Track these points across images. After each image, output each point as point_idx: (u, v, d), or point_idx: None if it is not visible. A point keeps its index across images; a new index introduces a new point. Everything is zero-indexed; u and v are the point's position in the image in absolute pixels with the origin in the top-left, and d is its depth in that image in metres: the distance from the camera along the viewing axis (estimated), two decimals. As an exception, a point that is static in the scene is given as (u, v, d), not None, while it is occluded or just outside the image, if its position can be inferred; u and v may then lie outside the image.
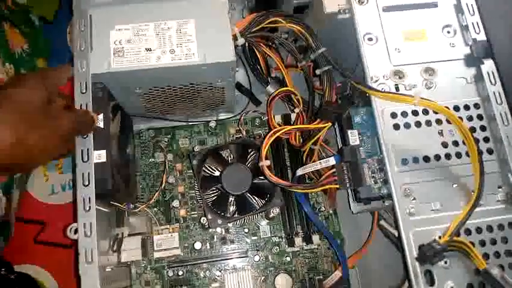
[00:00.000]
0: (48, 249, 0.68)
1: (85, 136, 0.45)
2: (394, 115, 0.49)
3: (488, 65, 0.50)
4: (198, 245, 0.62)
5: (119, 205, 0.54)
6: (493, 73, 0.50)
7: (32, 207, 0.70)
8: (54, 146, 0.41)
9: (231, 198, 0.61)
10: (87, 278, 0.42)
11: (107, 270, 0.48)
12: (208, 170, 0.63)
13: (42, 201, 0.71)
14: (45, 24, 0.79)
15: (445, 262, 0.44)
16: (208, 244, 0.63)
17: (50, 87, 0.43)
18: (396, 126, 0.48)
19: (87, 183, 0.44)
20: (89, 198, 0.43)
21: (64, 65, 0.48)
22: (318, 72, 0.57)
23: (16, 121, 0.38)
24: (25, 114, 0.39)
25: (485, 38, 0.51)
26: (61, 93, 0.47)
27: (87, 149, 0.45)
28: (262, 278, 0.62)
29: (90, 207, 0.43)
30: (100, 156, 0.46)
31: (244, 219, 0.62)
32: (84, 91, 0.47)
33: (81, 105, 0.46)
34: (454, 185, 0.47)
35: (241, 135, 0.67)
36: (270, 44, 0.65)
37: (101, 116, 0.48)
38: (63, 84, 0.46)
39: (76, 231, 0.43)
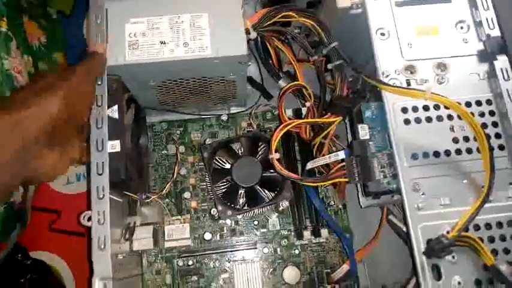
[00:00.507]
0: (62, 237, 0.70)
1: (99, 127, 0.47)
2: (405, 110, 0.49)
3: (501, 61, 0.49)
4: (208, 236, 0.63)
5: (132, 195, 0.55)
6: (506, 69, 0.49)
7: (47, 196, 0.72)
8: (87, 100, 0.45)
9: (241, 191, 0.62)
10: (99, 264, 0.43)
11: (119, 257, 0.49)
12: (219, 163, 0.64)
13: (58, 190, 0.73)
14: (62, 18, 0.81)
15: (453, 257, 0.44)
16: (218, 235, 0.64)
17: None
18: (407, 121, 0.48)
19: (101, 172, 0.45)
20: (103, 187, 0.44)
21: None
22: (329, 66, 0.57)
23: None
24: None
25: (499, 34, 0.51)
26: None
27: (102, 139, 0.46)
28: (271, 269, 0.62)
29: (103, 195, 0.44)
30: (114, 146, 0.47)
31: (254, 212, 0.63)
32: (100, 83, 0.48)
33: (96, 97, 0.47)
34: (464, 181, 0.47)
35: (252, 128, 0.68)
36: (283, 38, 0.66)
37: (115, 107, 0.49)
38: None
39: (89, 218, 0.44)
